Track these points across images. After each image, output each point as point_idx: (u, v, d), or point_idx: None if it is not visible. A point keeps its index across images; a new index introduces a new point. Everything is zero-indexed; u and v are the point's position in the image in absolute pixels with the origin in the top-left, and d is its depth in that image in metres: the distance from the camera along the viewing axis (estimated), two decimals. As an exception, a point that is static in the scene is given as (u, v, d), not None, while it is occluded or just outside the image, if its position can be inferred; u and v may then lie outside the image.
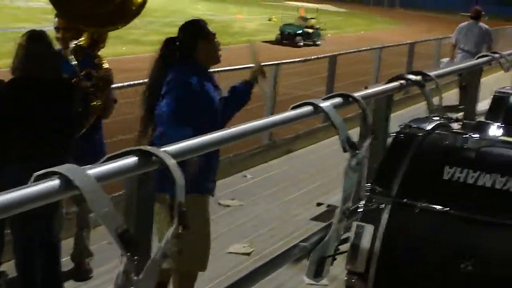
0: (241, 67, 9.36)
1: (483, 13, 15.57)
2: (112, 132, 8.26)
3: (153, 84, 5.15)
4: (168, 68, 5.12)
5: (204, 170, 5.18)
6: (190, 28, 5.31)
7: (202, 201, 5.24)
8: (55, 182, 2.24)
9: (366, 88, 6.00)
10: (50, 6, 5.57)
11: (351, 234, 3.37)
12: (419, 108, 10.43)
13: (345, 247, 3.76)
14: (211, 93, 5.08)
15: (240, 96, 5.23)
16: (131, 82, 8.51)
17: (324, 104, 3.81)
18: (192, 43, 5.18)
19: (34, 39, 5.31)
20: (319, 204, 8.63)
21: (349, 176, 3.79)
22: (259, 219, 8.08)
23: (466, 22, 15.44)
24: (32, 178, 2.27)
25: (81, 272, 6.45)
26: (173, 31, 5.49)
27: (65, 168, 2.29)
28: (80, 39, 5.92)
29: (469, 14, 15.76)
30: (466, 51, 14.36)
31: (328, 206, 8.43)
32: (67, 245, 6.14)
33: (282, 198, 8.99)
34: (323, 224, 7.40)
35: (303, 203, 8.90)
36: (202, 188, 5.21)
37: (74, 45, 5.81)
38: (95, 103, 5.80)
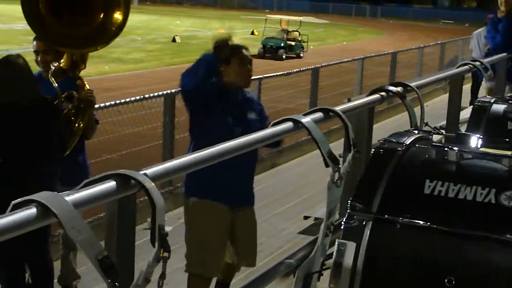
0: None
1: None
2: (96, 152, 8.23)
3: None
4: None
5: (218, 178, 5.32)
6: (216, 49, 5.67)
7: (210, 207, 5.51)
8: (32, 211, 2.21)
9: (349, 100, 5.98)
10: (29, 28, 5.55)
11: (334, 252, 3.34)
12: (402, 117, 10.43)
13: (331, 262, 3.73)
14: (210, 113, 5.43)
15: None
16: (114, 102, 8.49)
17: (305, 120, 3.79)
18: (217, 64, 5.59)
19: (5, 66, 5.30)
20: (306, 218, 8.60)
21: (332, 191, 3.78)
22: (247, 234, 8.05)
23: (480, 29, 14.98)
24: (10, 207, 2.24)
25: (69, 295, 6.41)
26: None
27: (42, 196, 2.25)
28: (60, 61, 5.89)
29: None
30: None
31: (315, 219, 8.38)
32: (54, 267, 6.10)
33: (269, 213, 8.97)
34: (311, 238, 7.37)
35: (290, 217, 8.88)
36: (213, 194, 5.51)
37: (54, 67, 5.78)
38: (77, 125, 5.77)
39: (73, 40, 5.58)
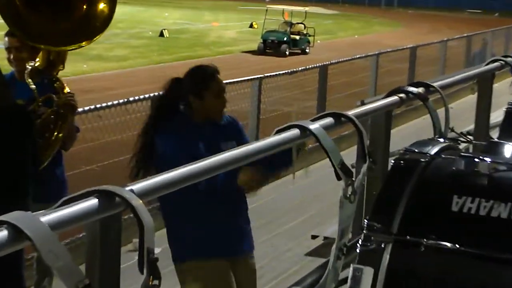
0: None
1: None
2: (74, 162, 8.22)
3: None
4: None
5: (209, 226, 5.25)
6: (189, 79, 5.46)
7: (209, 267, 5.30)
8: (2, 234, 2.20)
9: (362, 102, 5.97)
10: (1, 22, 5.54)
11: (349, 278, 3.33)
12: (424, 122, 10.43)
13: (344, 288, 3.74)
14: (174, 155, 5.17)
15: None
16: (94, 106, 8.48)
17: (313, 126, 3.78)
18: (185, 96, 5.38)
19: None
20: (314, 237, 8.60)
21: (344, 207, 3.76)
22: (246, 256, 8.04)
23: None
24: (-23, 230, 2.24)
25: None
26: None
27: (14, 216, 2.25)
28: (36, 60, 5.87)
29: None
30: None
31: (325, 238, 8.39)
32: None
33: (271, 232, 8.97)
34: (320, 261, 7.35)
35: (296, 236, 8.88)
36: (208, 250, 5.29)
37: (30, 67, 5.75)
38: (56, 133, 5.73)
39: (52, 35, 5.57)
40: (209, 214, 5.23)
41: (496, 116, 7.01)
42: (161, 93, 5.53)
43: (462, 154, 3.72)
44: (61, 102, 5.72)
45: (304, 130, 3.76)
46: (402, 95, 5.07)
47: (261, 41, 34.17)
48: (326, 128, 3.90)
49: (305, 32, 35.97)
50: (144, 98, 9.32)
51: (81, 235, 7.29)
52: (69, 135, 5.86)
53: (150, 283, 2.49)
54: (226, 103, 5.48)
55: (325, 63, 14.30)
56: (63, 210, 2.43)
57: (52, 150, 5.72)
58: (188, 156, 5.11)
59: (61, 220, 2.38)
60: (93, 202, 2.51)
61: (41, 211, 2.37)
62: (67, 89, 5.84)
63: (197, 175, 3.06)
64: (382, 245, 3.26)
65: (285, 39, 34.00)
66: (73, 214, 2.44)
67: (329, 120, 4.05)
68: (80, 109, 7.85)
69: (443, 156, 3.65)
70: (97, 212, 2.52)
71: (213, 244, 5.30)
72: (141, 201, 2.58)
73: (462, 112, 13.89)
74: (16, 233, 2.22)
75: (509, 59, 7.57)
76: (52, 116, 5.67)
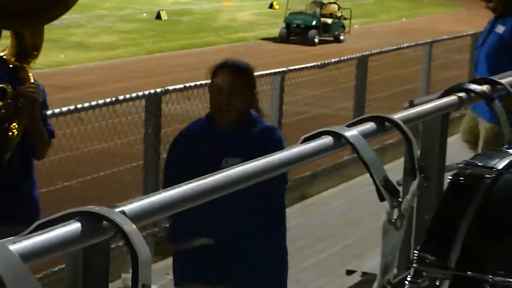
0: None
1: None
2: (48, 177, 8.25)
3: None
4: None
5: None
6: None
7: None
8: (-39, 265, 2.22)
9: (411, 103, 5.98)
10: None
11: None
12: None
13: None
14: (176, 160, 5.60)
15: None
16: (74, 106, 8.50)
17: (350, 133, 3.78)
18: None
19: None
20: (349, 272, 8.62)
21: (389, 235, 3.77)
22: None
23: None
24: None
25: None
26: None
27: (-24, 244, 2.27)
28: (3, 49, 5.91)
29: None
30: None
31: (363, 274, 8.42)
32: None
33: (297, 265, 8.98)
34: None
35: (327, 270, 8.90)
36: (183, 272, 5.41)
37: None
38: (11, 133, 5.71)
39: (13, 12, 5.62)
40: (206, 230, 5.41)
41: None
42: None
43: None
44: (19, 93, 5.68)
45: (338, 138, 3.77)
46: (461, 94, 5.07)
47: (284, 25, 34.21)
48: (366, 135, 3.90)
49: (339, 15, 36.01)
50: (137, 97, 9.31)
51: (57, 268, 7.33)
52: (39, 140, 5.86)
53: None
54: (231, 106, 5.56)
55: (364, 53, 14.32)
56: (37, 237, 2.44)
57: (7, 153, 5.72)
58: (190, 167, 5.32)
59: (35, 249, 2.40)
60: (74, 226, 2.52)
61: (9, 238, 2.39)
62: (31, 79, 5.85)
63: (206, 194, 3.07)
64: (437, 283, 3.27)
65: (314, 23, 34.05)
66: (49, 242, 2.45)
67: (369, 126, 4.06)
68: (56, 110, 7.90)
69: (513, 171, 3.66)
70: (79, 239, 2.53)
71: (196, 267, 5.42)
72: (134, 226, 2.59)
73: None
74: (-21, 265, 2.24)
75: None
76: (4, 110, 5.64)
